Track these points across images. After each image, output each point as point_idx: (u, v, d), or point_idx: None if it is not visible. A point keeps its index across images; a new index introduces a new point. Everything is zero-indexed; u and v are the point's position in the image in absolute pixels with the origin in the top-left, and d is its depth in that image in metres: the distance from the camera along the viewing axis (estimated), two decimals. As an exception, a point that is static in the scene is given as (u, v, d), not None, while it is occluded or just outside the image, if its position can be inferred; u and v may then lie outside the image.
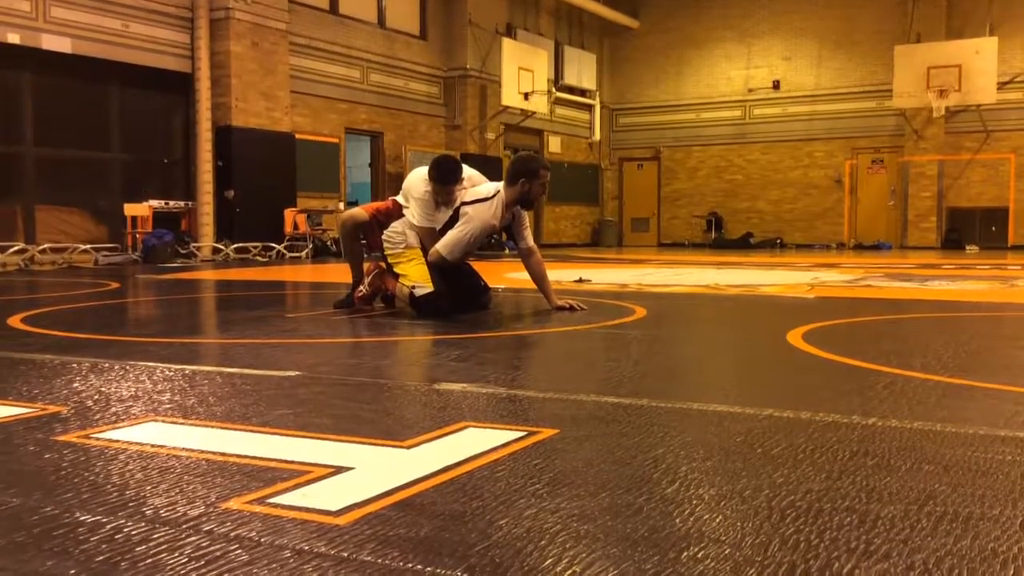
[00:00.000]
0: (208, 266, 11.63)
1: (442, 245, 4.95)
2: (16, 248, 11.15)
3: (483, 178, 5.35)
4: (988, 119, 18.80)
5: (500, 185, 5.13)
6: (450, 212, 5.05)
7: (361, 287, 5.22)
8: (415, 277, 4.94)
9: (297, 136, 14.66)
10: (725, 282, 8.04)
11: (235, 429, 2.22)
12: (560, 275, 8.31)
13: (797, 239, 21.26)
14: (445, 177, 5.04)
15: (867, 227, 20.63)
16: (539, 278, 5.33)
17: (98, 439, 2.12)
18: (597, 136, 22.32)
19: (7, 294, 7.11)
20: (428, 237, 5.06)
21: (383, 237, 5.15)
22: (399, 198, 5.34)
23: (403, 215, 5.20)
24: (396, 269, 5.07)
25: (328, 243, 14.58)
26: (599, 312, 5.22)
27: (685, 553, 1.37)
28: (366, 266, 5.34)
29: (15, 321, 4.77)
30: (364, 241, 5.45)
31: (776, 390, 2.97)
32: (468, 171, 5.27)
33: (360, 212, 5.41)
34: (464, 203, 5.00)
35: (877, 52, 20.10)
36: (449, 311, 4.91)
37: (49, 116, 11.96)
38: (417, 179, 5.19)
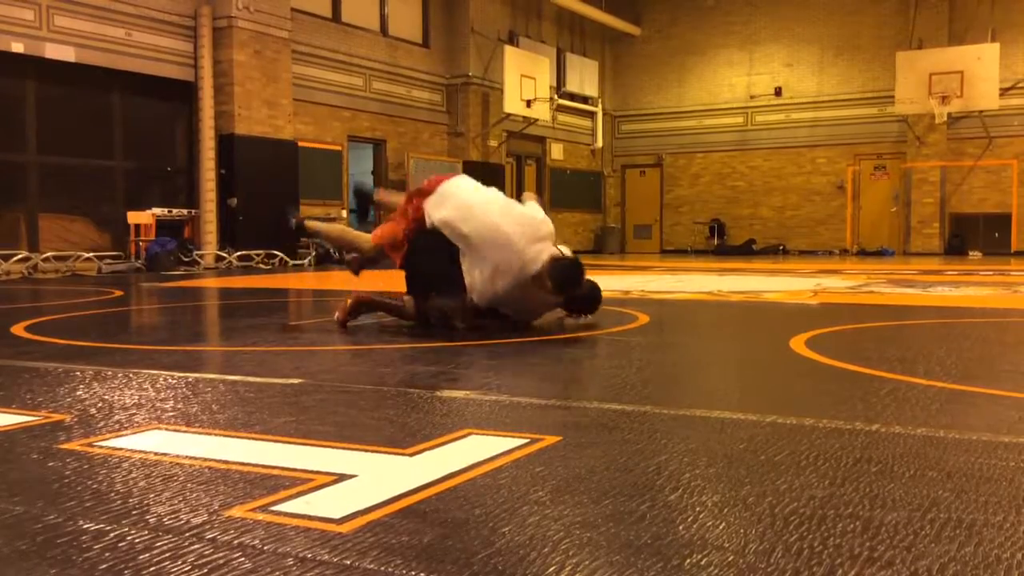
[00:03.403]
0: (211, 274, 11.64)
1: (477, 294, 4.57)
2: (20, 256, 11.17)
3: (538, 210, 4.81)
4: (990, 125, 18.79)
5: (546, 250, 4.50)
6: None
7: (338, 313, 4.85)
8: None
9: (300, 144, 14.68)
10: (728, 289, 8.04)
11: (238, 437, 2.22)
12: (563, 282, 8.28)
13: (800, 245, 21.24)
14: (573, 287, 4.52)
15: (870, 233, 20.62)
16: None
17: (101, 447, 2.12)
18: (599, 143, 22.33)
19: (11, 302, 7.12)
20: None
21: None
22: (435, 218, 4.61)
23: (428, 226, 4.62)
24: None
25: (331, 251, 14.58)
26: (601, 319, 5.22)
27: (688, 560, 1.37)
28: (347, 300, 4.92)
29: (19, 329, 4.77)
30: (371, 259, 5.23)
31: (779, 397, 2.97)
32: (533, 207, 4.81)
33: (367, 247, 5.07)
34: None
35: (879, 58, 20.11)
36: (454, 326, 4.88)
37: (52, 124, 11.99)
38: (517, 242, 4.40)
